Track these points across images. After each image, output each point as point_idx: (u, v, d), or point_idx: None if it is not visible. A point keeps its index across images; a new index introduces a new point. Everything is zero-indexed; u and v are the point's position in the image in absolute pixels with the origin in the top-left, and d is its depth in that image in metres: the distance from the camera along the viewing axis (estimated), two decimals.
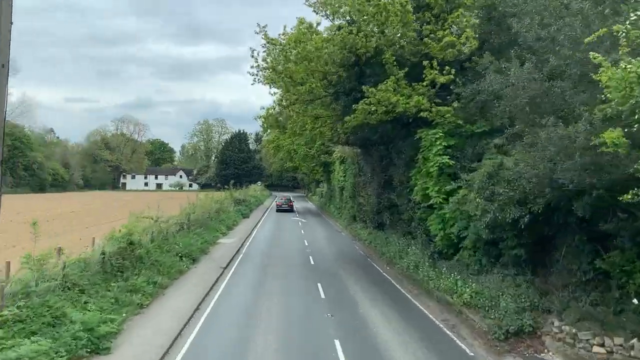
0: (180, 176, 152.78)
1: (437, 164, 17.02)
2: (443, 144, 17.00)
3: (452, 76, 16.92)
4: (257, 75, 20.31)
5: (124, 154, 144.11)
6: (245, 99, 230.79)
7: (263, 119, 60.40)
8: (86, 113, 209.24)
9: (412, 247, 22.64)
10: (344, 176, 41.15)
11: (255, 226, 39.73)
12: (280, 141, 57.79)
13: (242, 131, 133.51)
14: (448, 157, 16.99)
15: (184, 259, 21.54)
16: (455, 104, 16.82)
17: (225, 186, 52.02)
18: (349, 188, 38.29)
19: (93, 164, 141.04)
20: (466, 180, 16.33)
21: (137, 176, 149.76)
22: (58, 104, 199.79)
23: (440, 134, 17.09)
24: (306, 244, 30.29)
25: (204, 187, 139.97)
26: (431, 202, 17.71)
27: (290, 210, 57.07)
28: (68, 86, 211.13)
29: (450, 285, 16.60)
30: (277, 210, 57.28)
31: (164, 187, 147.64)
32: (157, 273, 18.06)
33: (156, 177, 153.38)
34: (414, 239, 24.13)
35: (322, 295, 17.30)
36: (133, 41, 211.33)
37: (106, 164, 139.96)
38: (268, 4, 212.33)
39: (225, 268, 21.96)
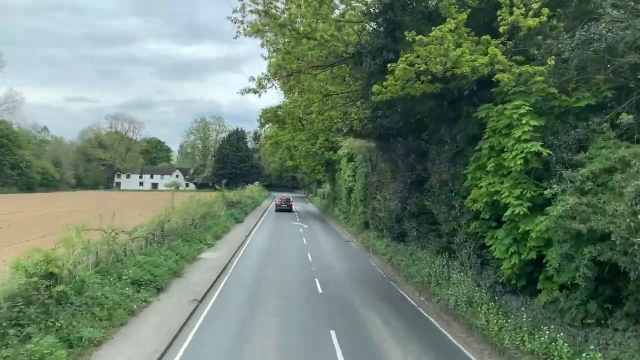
0: (177, 176, 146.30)
1: (522, 155, 10.73)
2: (531, 123, 10.71)
3: (544, 17, 10.68)
4: (242, 23, 13.96)
5: (118, 153, 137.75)
6: (245, 100, 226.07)
7: (260, 116, 53.66)
8: (86, 113, 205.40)
9: (457, 272, 16.44)
10: (353, 176, 34.91)
11: (250, 234, 33.44)
12: (279, 137, 51.62)
13: (240, 129, 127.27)
14: (540, 144, 10.69)
15: (143, 288, 15.28)
16: (551, 61, 10.53)
17: (217, 186, 45.75)
18: (359, 190, 32.05)
19: (86, 163, 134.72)
20: (571, 182, 10.15)
21: (132, 175, 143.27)
22: (58, 104, 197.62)
23: (527, 108, 10.82)
24: (310, 260, 24.02)
25: (200, 187, 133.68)
26: (508, 212, 11.41)
27: (289, 209, 56.25)
28: (68, 86, 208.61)
29: (545, 348, 10.37)
30: (277, 210, 56.18)
31: (160, 187, 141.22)
32: (91, 319, 11.82)
33: (152, 177, 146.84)
34: (453, 259, 17.99)
35: (340, 357, 11.04)
36: (133, 41, 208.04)
37: (99, 162, 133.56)
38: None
39: (202, 301, 15.69)
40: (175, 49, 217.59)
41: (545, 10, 10.75)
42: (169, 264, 18.52)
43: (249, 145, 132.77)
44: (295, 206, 65.74)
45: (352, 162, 34.94)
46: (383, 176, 26.45)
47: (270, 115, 53.42)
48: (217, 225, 32.02)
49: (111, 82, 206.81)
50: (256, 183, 73.21)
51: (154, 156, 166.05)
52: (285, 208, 55.80)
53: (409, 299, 17.33)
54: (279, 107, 54.23)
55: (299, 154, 46.24)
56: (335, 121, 19.80)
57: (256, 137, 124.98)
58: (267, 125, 55.32)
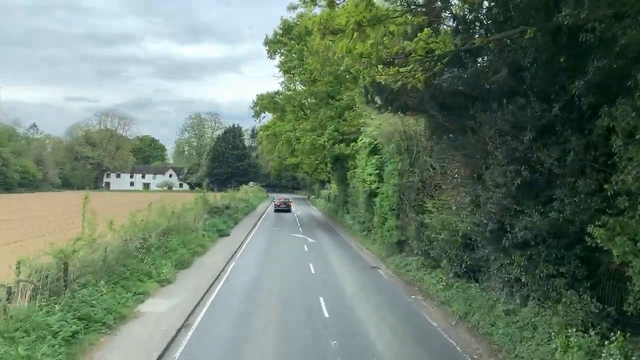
0: (170, 175, 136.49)
1: None
2: None
3: None
4: None
5: (107, 151, 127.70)
6: (244, 100, 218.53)
7: (255, 103, 44.23)
8: (86, 112, 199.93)
9: None
10: (377, 174, 25.11)
11: (234, 256, 23.60)
12: (277, 127, 41.83)
13: (236, 125, 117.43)
14: None
15: None
16: None
17: (197, 187, 36.06)
18: (389, 195, 22.18)
19: (74, 162, 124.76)
20: None
21: (122, 175, 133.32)
22: (58, 103, 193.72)
23: None
24: (326, 314, 14.09)
25: (195, 187, 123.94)
26: None
27: (287, 210, 55.14)
28: (68, 86, 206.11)
29: None
30: (275, 211, 54.88)
31: (152, 187, 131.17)
32: None
33: (143, 177, 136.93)
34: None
35: None
36: (133, 41, 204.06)
37: (86, 161, 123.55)
38: (268, 3, 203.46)
39: None
40: (175, 49, 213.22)
41: None
42: (37, 355, 8.71)
43: (247, 143, 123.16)
44: (295, 209, 57.26)
45: (377, 156, 25.14)
46: (441, 175, 16.74)
47: (267, 102, 43.62)
48: (187, 244, 22.20)
49: (111, 81, 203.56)
50: (251, 184, 63.41)
51: (147, 155, 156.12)
52: (284, 208, 55.43)
53: None
54: (276, 92, 44.51)
55: (301, 147, 36.39)
56: (381, 69, 9.95)
57: (254, 135, 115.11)
58: (263, 115, 45.67)
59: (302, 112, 43.30)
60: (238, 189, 66.00)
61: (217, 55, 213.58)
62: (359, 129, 31.87)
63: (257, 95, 43.60)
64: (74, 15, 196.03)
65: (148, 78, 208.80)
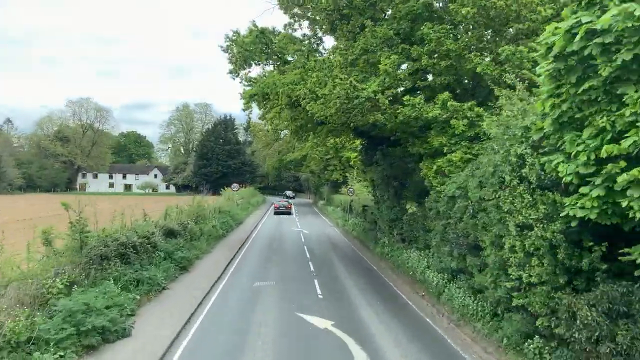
0: (155, 175, 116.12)
1: None
2: None
3: None
4: None
5: (81, 147, 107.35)
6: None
7: (230, 43, 23.82)
8: None
9: None
10: None
11: None
12: (271, 78, 21.45)
13: (228, 116, 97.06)
14: None
15: None
16: None
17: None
18: None
19: (43, 160, 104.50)
20: None
21: (100, 175, 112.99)
22: (57, 104, 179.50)
23: None
24: None
25: (183, 189, 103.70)
26: None
27: (288, 213, 51.52)
28: (68, 86, 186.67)
29: None
30: (275, 213, 51.30)
31: (134, 189, 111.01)
32: None
33: (124, 177, 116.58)
34: None
35: None
36: (133, 41, 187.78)
37: (56, 159, 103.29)
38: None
39: None
40: (175, 49, 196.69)
41: None
42: None
43: (240, 138, 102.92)
44: (301, 224, 38.35)
45: None
46: None
47: (251, 42, 23.00)
48: None
49: (111, 82, 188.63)
50: (234, 186, 43.06)
51: (131, 153, 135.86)
52: (284, 211, 52.04)
53: None
54: (271, 31, 24.23)
55: (320, 108, 15.99)
56: None
57: (248, 127, 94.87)
58: (247, 70, 25.14)
59: (315, 63, 22.74)
60: (220, 194, 46.07)
61: (217, 55, 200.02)
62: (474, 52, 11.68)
63: (232, 31, 23.58)
64: (74, 15, 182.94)
65: (148, 78, 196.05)
